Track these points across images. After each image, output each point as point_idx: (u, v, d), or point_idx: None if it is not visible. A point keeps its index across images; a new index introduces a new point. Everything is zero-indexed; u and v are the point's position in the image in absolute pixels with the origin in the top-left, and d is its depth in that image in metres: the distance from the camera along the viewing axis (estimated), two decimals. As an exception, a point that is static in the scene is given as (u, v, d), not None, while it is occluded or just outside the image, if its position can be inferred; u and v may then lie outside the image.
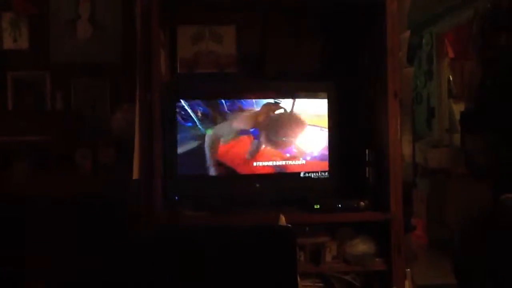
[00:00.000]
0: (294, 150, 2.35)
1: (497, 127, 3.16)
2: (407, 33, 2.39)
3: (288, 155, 2.35)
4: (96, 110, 2.52)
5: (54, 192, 2.33)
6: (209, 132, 2.29)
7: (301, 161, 2.35)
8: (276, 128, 2.33)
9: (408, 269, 2.30)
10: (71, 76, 2.53)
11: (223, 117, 2.30)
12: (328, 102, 2.35)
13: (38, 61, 2.54)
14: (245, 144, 2.32)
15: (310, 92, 2.36)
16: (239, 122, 2.31)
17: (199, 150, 2.29)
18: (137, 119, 2.21)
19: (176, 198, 2.26)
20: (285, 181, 2.34)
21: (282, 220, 1.94)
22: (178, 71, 2.51)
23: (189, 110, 2.27)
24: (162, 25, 2.27)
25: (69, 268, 2.25)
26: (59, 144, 2.48)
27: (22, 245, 2.34)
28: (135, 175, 2.22)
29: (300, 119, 2.34)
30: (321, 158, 2.36)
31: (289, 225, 1.85)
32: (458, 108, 4.82)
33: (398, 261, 2.23)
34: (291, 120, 2.34)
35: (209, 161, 2.30)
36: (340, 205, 2.27)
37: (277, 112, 2.33)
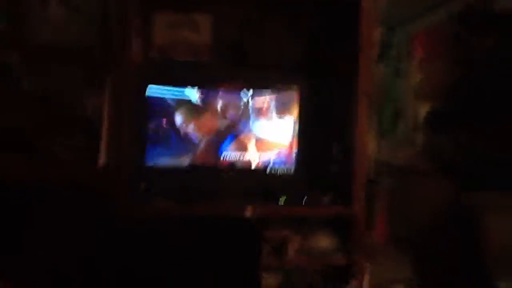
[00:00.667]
0: (262, 142, 2.37)
1: (472, 126, 3.24)
2: (378, 31, 2.43)
3: (255, 148, 2.37)
4: (69, 94, 2.47)
5: (25, 178, 2.28)
6: (180, 120, 2.29)
7: (268, 154, 2.38)
8: (245, 120, 2.35)
9: (369, 264, 2.36)
10: (44, 59, 2.47)
11: (194, 105, 2.30)
12: (299, 95, 2.37)
13: (10, 43, 2.46)
14: (215, 135, 2.34)
15: (282, 84, 2.38)
16: (209, 112, 2.32)
17: (169, 138, 2.29)
18: (107, 104, 2.19)
19: (145, 187, 2.26)
20: (252, 174, 2.36)
21: (249, 211, 1.97)
22: (153, 57, 2.49)
23: (160, 97, 2.27)
24: (138, 10, 2.25)
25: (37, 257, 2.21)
26: (31, 129, 2.43)
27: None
28: (102, 161, 2.20)
29: (269, 111, 2.37)
30: (288, 152, 2.39)
31: (254, 219, 1.88)
32: (424, 108, 4.91)
33: (359, 256, 2.30)
34: (260, 113, 2.36)
35: (178, 151, 2.30)
36: (304, 199, 2.30)
37: (246, 104, 2.35)
